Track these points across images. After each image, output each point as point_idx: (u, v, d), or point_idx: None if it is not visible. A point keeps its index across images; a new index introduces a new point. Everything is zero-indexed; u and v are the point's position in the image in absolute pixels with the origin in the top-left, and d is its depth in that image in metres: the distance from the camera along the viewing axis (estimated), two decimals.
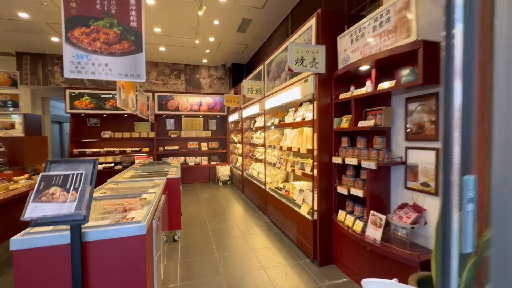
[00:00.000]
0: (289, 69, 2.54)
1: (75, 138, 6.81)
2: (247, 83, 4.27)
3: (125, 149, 7.12)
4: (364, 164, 2.19)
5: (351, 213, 2.52)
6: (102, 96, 6.67)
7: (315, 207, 2.78)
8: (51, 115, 7.99)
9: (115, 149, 7.08)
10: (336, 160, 2.60)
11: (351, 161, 2.38)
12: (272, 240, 3.43)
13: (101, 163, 6.97)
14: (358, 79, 2.55)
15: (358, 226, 2.26)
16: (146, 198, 2.18)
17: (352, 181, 2.48)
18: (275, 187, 4.23)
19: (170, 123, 7.87)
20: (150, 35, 5.36)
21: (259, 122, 5.42)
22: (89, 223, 1.42)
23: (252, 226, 3.97)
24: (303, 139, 3.41)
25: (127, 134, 7.14)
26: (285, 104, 3.86)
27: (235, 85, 7.01)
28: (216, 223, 4.16)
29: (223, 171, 7.28)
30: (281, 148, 3.93)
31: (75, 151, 6.70)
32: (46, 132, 7.13)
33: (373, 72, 2.21)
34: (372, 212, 2.15)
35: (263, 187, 4.58)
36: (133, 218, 1.64)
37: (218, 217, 4.47)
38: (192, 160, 7.59)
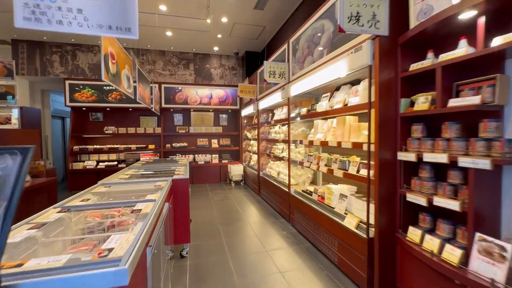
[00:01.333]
0: (340, 29, 1.82)
1: (76, 134, 6.27)
2: (268, 66, 3.56)
3: (130, 146, 6.54)
4: (465, 162, 1.45)
5: (431, 231, 1.78)
6: (104, 88, 6.10)
7: (371, 221, 2.05)
8: (52, 109, 7.51)
9: (118, 146, 6.51)
10: (406, 156, 1.86)
11: (435, 157, 1.63)
12: (304, 258, 2.72)
13: (104, 161, 6.42)
14: (442, 41, 1.80)
15: (453, 254, 1.52)
16: (141, 210, 1.51)
17: (431, 186, 1.74)
18: (303, 190, 3.51)
19: (178, 118, 7.25)
20: (154, 15, 4.72)
21: (279, 114, 4.71)
22: (27, 265, 0.75)
23: (275, 238, 3.27)
24: (345, 131, 2.67)
25: (131, 130, 6.55)
26: (317, 89, 3.14)
27: (249, 75, 6.31)
28: (231, 233, 3.48)
29: (236, 170, 6.61)
30: (311, 143, 3.21)
31: (75, 148, 6.16)
32: (46, 127, 6.64)
33: (480, 23, 1.46)
34: (480, 235, 1.41)
35: (287, 190, 3.86)
36: (110, 250, 0.96)
37: (233, 225, 3.78)
38: (201, 158, 6.95)
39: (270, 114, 5.11)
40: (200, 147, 7.03)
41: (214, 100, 6.86)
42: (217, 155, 7.12)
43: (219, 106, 6.91)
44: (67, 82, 5.90)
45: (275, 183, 4.42)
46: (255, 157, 6.47)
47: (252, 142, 6.69)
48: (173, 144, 6.86)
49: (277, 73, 3.63)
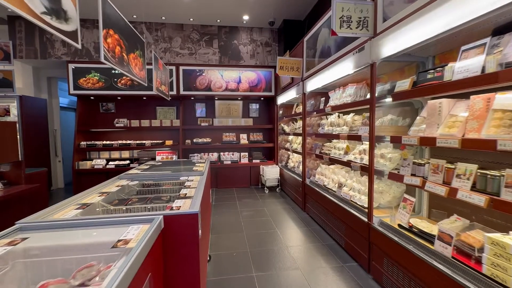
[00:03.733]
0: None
1: (84, 128, 5.34)
2: (340, 6, 2.05)
3: (144, 141, 5.46)
4: None
5: None
6: (113, 72, 5.04)
7: None
8: (67, 100, 6.74)
9: (131, 142, 5.47)
10: None
11: None
12: None
13: (114, 160, 5.43)
14: None
15: None
16: None
17: None
18: (400, 226, 2.00)
19: (200, 108, 6.03)
20: None
21: (340, 96, 3.19)
22: None
23: None
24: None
25: (145, 123, 5.47)
26: (438, 42, 1.58)
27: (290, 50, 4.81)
28: None
29: (271, 173, 5.22)
30: (425, 141, 1.68)
31: (82, 144, 5.23)
32: (55, 120, 5.84)
33: None
34: None
35: (363, 218, 2.38)
36: None
37: (275, 270, 2.40)
38: (228, 157, 5.67)
39: (323, 99, 3.62)
40: (226, 144, 5.75)
41: (243, 85, 5.50)
42: (246, 153, 5.79)
43: (249, 92, 5.53)
44: (70, 65, 4.94)
45: (335, 200, 2.94)
46: (295, 157, 5.01)
47: (290, 137, 5.23)
48: (194, 140, 5.66)
49: (354, 19, 2.11)
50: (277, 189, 5.31)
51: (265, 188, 5.28)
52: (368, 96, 2.88)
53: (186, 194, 1.71)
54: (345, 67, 2.65)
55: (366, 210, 2.38)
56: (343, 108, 2.99)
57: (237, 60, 5.53)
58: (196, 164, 3.14)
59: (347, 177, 3.11)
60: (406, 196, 2.09)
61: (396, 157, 2.24)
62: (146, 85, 2.67)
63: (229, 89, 5.45)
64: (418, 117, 2.01)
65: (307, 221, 3.60)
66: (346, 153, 2.99)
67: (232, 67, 5.41)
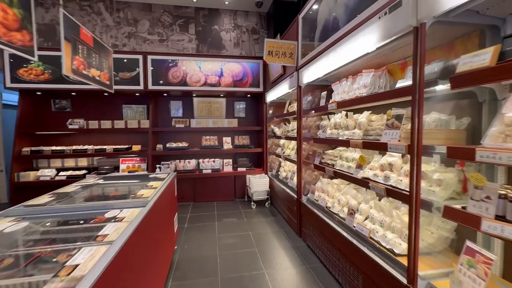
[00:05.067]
0: None
1: (28, 130, 4.32)
2: None
3: (105, 147, 4.48)
4: None
5: None
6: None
7: None
8: (6, 95, 5.65)
9: (89, 147, 4.48)
10: None
11: None
12: None
13: (67, 169, 4.44)
14: None
15: None
16: None
17: None
18: None
19: (175, 107, 5.10)
20: None
21: (350, 88, 2.35)
22: None
23: None
24: None
25: (106, 124, 4.49)
26: None
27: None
28: None
29: (258, 185, 4.34)
30: None
31: (25, 150, 4.21)
32: None
33: None
34: None
35: (399, 278, 1.52)
36: None
37: None
38: (208, 165, 4.76)
39: (324, 94, 2.78)
40: (206, 149, 4.84)
41: (226, 79, 4.61)
42: (230, 160, 4.90)
43: (233, 88, 4.64)
44: (5, 51, 3.92)
45: (344, 234, 2.08)
46: (287, 165, 4.16)
47: (282, 141, 4.38)
48: (167, 145, 4.72)
49: None
50: (266, 203, 4.44)
51: (252, 203, 4.40)
52: (389, 87, 2.06)
53: (76, 268, 0.81)
54: (363, 42, 1.80)
55: (399, 258, 1.53)
56: (354, 104, 2.15)
57: (218, 49, 4.64)
58: (150, 183, 2.22)
59: (360, 199, 2.27)
60: (471, 245, 1.25)
61: (450, 180, 1.40)
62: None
63: (208, 83, 4.55)
64: (499, 116, 1.18)
65: (305, 254, 2.74)
66: (359, 166, 2.14)
67: (212, 58, 4.52)
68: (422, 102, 1.30)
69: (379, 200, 2.20)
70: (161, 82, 4.39)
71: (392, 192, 1.67)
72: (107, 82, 2.25)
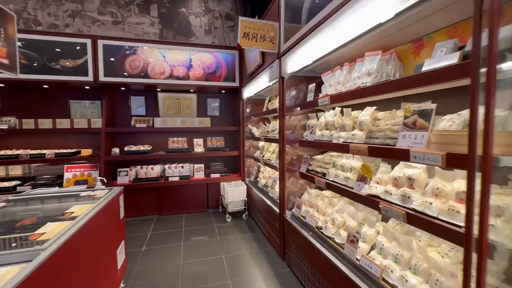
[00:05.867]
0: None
1: None
2: None
3: (44, 151, 3.64)
4: None
5: None
6: None
7: None
8: None
9: (22, 151, 3.60)
10: None
11: None
12: None
13: None
14: None
15: None
16: None
17: None
18: None
19: (137, 103, 4.35)
20: None
21: (346, 78, 1.85)
22: None
23: None
24: None
25: (45, 123, 3.65)
26: None
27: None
28: None
29: (234, 194, 3.75)
30: None
31: None
32: None
33: None
34: None
35: None
36: None
37: None
38: (175, 172, 4.08)
39: (312, 86, 2.27)
40: (173, 152, 4.15)
41: (196, 71, 3.96)
42: (202, 165, 4.25)
43: (204, 82, 4.01)
44: None
45: (343, 269, 1.56)
46: (267, 171, 3.63)
47: (261, 144, 3.83)
48: (126, 148, 3.97)
49: None
50: (244, 215, 3.86)
51: (227, 215, 3.80)
52: (399, 74, 1.59)
53: None
54: (378, 5, 1.28)
55: None
56: (354, 98, 1.64)
57: (187, 36, 3.98)
58: (72, 208, 1.54)
59: (360, 218, 1.77)
60: None
61: None
62: None
63: (175, 76, 3.87)
64: None
65: (290, 285, 2.20)
66: (362, 179, 1.64)
67: (180, 46, 3.85)
68: (495, 85, 0.80)
69: (382, 219, 1.72)
70: (116, 73, 3.64)
71: (417, 220, 1.18)
72: (5, 62, 1.53)
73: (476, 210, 0.84)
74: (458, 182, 1.14)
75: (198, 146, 4.41)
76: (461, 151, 0.99)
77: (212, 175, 4.20)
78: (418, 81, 1.14)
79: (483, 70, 0.79)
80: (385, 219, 1.72)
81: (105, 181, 2.24)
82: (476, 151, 0.82)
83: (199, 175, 4.20)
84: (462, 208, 1.05)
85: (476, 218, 0.85)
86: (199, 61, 3.96)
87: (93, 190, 1.98)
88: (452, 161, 0.99)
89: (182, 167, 4.11)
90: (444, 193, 1.16)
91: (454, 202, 1.11)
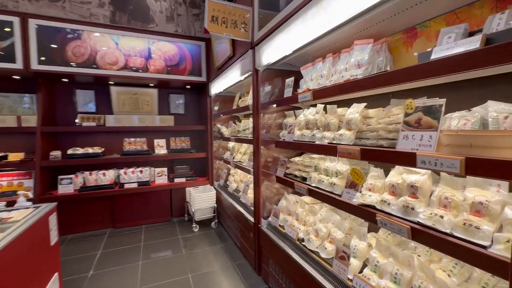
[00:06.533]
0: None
1: None
2: None
3: None
4: None
5: None
6: None
7: None
8: None
9: None
10: None
11: None
12: None
13: None
14: None
15: None
16: None
17: None
18: None
19: (84, 98, 3.71)
20: None
21: (330, 71, 1.64)
22: None
23: None
24: None
25: None
26: None
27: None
28: None
29: (202, 200, 3.38)
30: None
31: None
32: None
33: None
34: None
35: None
36: None
37: None
38: (133, 177, 3.56)
39: (289, 81, 2.03)
40: (130, 155, 3.62)
41: (157, 63, 3.50)
42: (165, 169, 3.79)
43: (167, 75, 3.56)
44: None
45: None
46: (238, 174, 3.34)
47: (231, 144, 3.53)
48: (69, 151, 3.34)
49: None
50: (213, 223, 3.51)
51: (194, 224, 3.41)
52: (390, 67, 1.43)
53: None
54: None
55: None
56: (341, 93, 1.43)
57: (145, 22, 3.48)
58: None
59: (347, 228, 1.58)
60: None
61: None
62: None
63: (131, 67, 3.36)
64: None
65: None
66: (352, 186, 1.44)
67: (136, 33, 3.35)
68: None
69: (369, 226, 1.55)
70: (54, 61, 3.01)
71: (425, 237, 0.99)
72: None
73: None
74: (470, 191, 0.98)
75: (160, 147, 3.93)
76: (487, 155, 0.82)
77: (177, 180, 3.76)
78: (436, 69, 0.94)
79: None
80: (372, 227, 1.55)
81: (31, 196, 1.73)
82: None
83: (162, 180, 3.73)
84: (482, 223, 0.88)
85: None
86: (160, 51, 3.50)
87: (9, 211, 1.48)
88: (475, 168, 0.81)
89: (141, 171, 3.61)
90: (454, 204, 0.99)
91: (469, 215, 0.94)
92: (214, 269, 2.44)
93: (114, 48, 3.27)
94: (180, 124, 4.10)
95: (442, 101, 0.99)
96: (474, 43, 0.85)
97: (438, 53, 0.96)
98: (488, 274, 1.01)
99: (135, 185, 3.50)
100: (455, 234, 0.92)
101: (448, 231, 0.94)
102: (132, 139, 3.73)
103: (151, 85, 3.87)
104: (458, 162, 0.85)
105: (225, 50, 2.85)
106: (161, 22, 3.54)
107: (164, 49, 3.52)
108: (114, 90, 3.75)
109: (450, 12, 1.20)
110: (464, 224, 0.91)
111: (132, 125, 3.66)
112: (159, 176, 3.73)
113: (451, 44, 0.93)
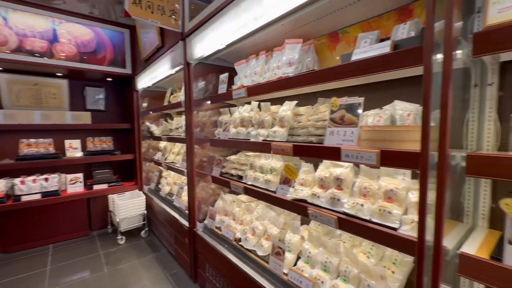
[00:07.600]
0: None
1: None
2: None
3: None
4: None
5: None
6: None
7: None
8: None
9: None
10: None
11: None
12: None
13: None
14: None
15: None
16: None
17: None
18: None
19: None
20: None
21: (263, 68, 1.65)
22: None
23: None
24: None
25: None
26: None
27: None
28: None
29: (128, 207, 2.99)
30: None
31: None
32: None
33: None
34: None
35: None
36: None
37: None
38: (34, 187, 2.88)
39: (224, 77, 1.95)
40: (29, 160, 2.91)
41: (65, 48, 2.91)
42: (81, 175, 3.22)
43: (79, 64, 3.00)
44: None
45: None
46: (172, 176, 3.10)
47: (163, 144, 3.24)
48: None
49: None
50: (143, 231, 3.15)
51: (119, 236, 2.99)
52: (316, 67, 1.52)
53: None
54: None
55: None
56: (275, 90, 1.44)
57: None
58: None
59: (282, 223, 1.61)
60: None
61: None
62: None
63: (28, 50, 2.70)
64: None
65: None
66: (286, 181, 1.47)
67: (35, 8, 2.71)
68: (450, 73, 0.70)
69: (302, 220, 1.63)
70: None
71: (350, 225, 1.07)
72: None
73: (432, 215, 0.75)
74: (383, 180, 1.10)
75: (73, 149, 3.31)
76: (395, 148, 0.92)
77: (96, 187, 3.24)
78: (358, 69, 1.01)
79: (439, 56, 0.69)
80: (305, 220, 1.63)
81: None
82: (429, 148, 0.72)
83: (76, 188, 3.15)
84: (392, 208, 1.00)
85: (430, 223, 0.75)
86: (70, 34, 2.93)
87: None
88: (388, 160, 0.91)
89: (46, 179, 2.95)
90: (372, 193, 1.10)
91: (383, 201, 1.05)
92: (143, 283, 2.18)
93: (2, 24, 2.57)
94: (100, 122, 3.55)
95: (361, 99, 1.08)
96: (385, 48, 0.95)
97: (358, 55, 1.04)
98: (396, 251, 1.17)
99: (37, 197, 2.84)
100: (373, 220, 1.02)
101: (367, 217, 1.04)
102: (32, 140, 3.02)
103: (58, 74, 3.21)
104: (375, 154, 0.93)
105: (153, 40, 2.58)
106: (71, 0, 2.97)
107: (75, 33, 2.96)
108: (3, 78, 2.96)
109: (364, 21, 1.34)
110: (380, 210, 1.02)
111: (32, 123, 2.96)
112: (73, 184, 3.14)
113: (367, 47, 1.02)
